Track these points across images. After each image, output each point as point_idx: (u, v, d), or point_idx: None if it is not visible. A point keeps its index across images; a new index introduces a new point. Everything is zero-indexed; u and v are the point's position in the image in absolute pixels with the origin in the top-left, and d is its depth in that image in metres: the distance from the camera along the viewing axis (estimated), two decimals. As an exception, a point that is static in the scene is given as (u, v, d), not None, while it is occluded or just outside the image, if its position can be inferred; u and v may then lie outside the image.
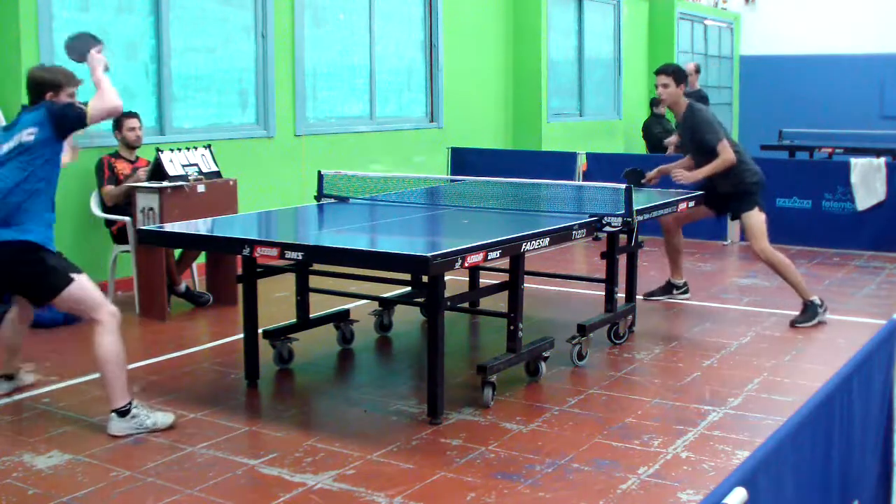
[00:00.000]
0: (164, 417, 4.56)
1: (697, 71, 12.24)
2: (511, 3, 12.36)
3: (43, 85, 4.71)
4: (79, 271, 4.55)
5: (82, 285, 4.49)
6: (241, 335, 5.46)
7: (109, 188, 6.92)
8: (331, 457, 4.19)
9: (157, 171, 6.75)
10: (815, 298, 6.60)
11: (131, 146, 7.10)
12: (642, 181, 6.93)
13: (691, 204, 6.56)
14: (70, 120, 4.55)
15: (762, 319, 6.67)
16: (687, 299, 7.24)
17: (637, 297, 6.39)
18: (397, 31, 10.53)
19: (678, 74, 6.62)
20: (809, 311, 6.54)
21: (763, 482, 1.94)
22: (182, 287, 7.04)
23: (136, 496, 3.81)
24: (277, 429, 4.58)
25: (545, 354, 5.28)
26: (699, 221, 7.24)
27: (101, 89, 4.63)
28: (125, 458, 4.18)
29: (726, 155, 6.47)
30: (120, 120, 7.01)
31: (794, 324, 6.50)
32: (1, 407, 4.88)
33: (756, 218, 6.61)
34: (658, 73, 6.69)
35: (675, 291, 7.27)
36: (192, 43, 8.17)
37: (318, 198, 6.30)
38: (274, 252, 4.63)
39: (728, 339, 6.16)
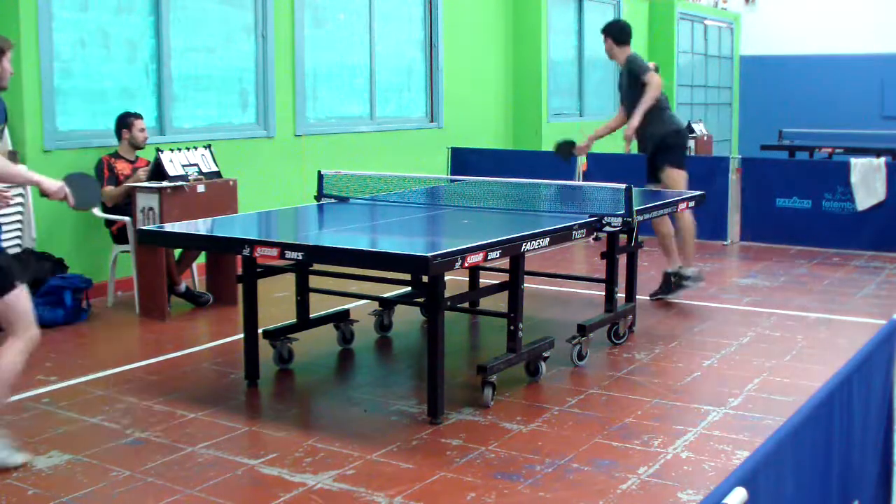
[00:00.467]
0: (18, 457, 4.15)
1: (656, 70, 12.14)
2: (511, 3, 12.36)
3: None
4: (22, 281, 4.14)
5: (24, 295, 4.09)
6: (241, 335, 5.46)
7: (109, 188, 6.92)
8: (331, 457, 4.19)
9: (157, 171, 6.76)
10: (692, 271, 7.13)
11: (139, 147, 7.12)
12: (574, 151, 7.28)
13: (691, 204, 6.57)
14: None
15: (762, 319, 6.67)
16: (686, 293, 7.20)
17: (637, 297, 6.38)
18: (397, 31, 10.53)
19: (610, 31, 7.37)
20: (676, 283, 7.10)
21: (763, 482, 1.94)
22: (182, 287, 7.03)
23: (136, 496, 3.81)
24: (277, 429, 4.58)
25: (545, 354, 5.28)
26: (698, 223, 7.29)
27: (29, 176, 4.22)
28: (125, 458, 4.18)
29: (653, 80, 6.99)
30: (130, 120, 7.04)
31: (656, 295, 7.12)
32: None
33: (677, 174, 7.06)
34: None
35: (673, 282, 7.18)
36: (192, 43, 8.17)
37: (318, 198, 6.30)
38: (274, 252, 4.63)
39: (728, 339, 6.16)
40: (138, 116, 7.11)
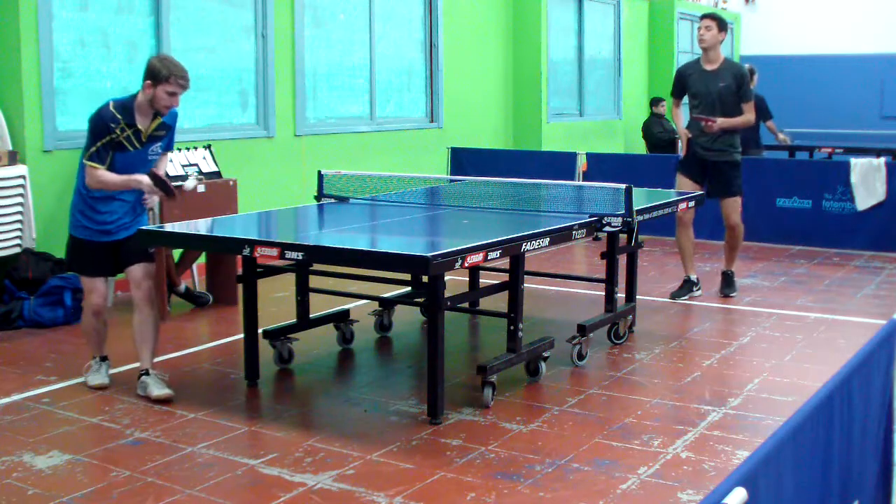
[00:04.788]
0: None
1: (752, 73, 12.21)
2: (511, 3, 12.36)
3: (147, 72, 4.90)
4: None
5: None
6: (241, 335, 5.46)
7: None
8: (331, 457, 4.19)
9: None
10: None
11: None
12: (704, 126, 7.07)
13: (691, 204, 6.58)
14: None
15: (762, 319, 6.67)
16: (701, 295, 7.38)
17: (637, 297, 6.38)
18: (397, 31, 10.53)
19: (721, 21, 7.09)
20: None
21: (763, 482, 1.94)
22: (182, 287, 7.04)
23: (136, 496, 3.81)
24: (277, 429, 4.58)
25: (545, 354, 5.28)
26: (699, 223, 7.45)
27: (117, 180, 4.92)
28: (125, 458, 4.19)
29: (751, 114, 7.14)
30: None
31: (726, 294, 7.36)
32: (1, 407, 4.88)
33: (739, 200, 7.27)
34: (703, 17, 7.15)
35: (694, 289, 7.40)
36: (192, 43, 8.17)
37: (318, 198, 6.29)
38: (274, 252, 4.63)
39: (728, 339, 6.16)
40: None
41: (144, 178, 4.91)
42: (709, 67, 7.05)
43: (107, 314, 5.22)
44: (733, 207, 7.18)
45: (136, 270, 5.06)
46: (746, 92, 7.02)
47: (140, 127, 4.91)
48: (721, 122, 6.94)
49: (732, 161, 7.08)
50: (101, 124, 4.84)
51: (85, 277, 5.12)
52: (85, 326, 5.24)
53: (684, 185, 7.18)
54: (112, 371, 5.47)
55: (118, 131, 4.83)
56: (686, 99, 7.29)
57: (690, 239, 7.31)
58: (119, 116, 4.84)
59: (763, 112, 11.84)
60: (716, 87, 7.00)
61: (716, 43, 7.00)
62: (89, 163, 4.85)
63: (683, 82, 7.23)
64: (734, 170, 7.11)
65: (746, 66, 12.15)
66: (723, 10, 18.43)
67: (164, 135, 5.04)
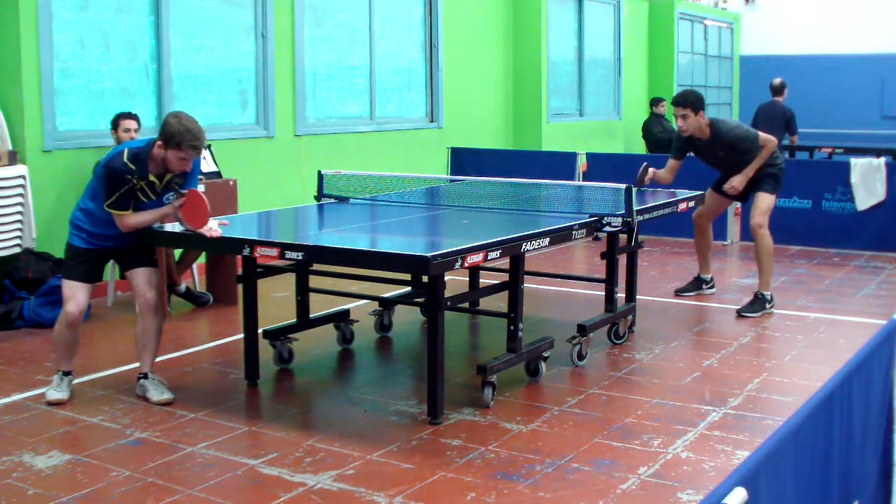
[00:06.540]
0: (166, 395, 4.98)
1: (783, 86, 12.11)
2: (511, 3, 12.37)
3: (162, 130, 4.74)
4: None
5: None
6: (241, 335, 5.46)
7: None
8: (331, 457, 4.19)
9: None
10: (769, 294, 6.89)
11: None
12: (645, 180, 6.87)
13: (692, 204, 6.58)
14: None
15: (762, 319, 6.67)
16: (714, 293, 7.45)
17: (637, 297, 6.38)
18: (397, 31, 10.54)
19: (696, 104, 6.64)
20: (759, 303, 6.82)
21: (763, 482, 1.94)
22: (182, 287, 7.03)
23: (136, 496, 3.81)
24: (277, 429, 4.58)
25: (545, 354, 5.28)
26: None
27: (148, 217, 4.91)
28: (125, 458, 4.19)
29: (770, 142, 6.85)
30: (117, 121, 6.99)
31: (741, 313, 6.77)
32: (1, 407, 4.88)
33: (768, 198, 6.91)
34: (674, 104, 6.72)
35: (704, 286, 7.50)
36: (192, 43, 8.17)
37: (318, 198, 6.29)
38: (274, 252, 4.63)
39: (728, 339, 6.16)
40: (127, 116, 6.97)
41: (171, 206, 4.90)
42: (703, 140, 6.79)
43: (80, 328, 4.98)
44: (756, 205, 6.86)
45: (139, 278, 4.97)
46: (747, 149, 6.74)
47: (153, 179, 4.80)
48: (739, 183, 6.82)
49: (768, 173, 6.89)
50: (115, 176, 4.69)
51: (68, 282, 4.88)
52: (56, 335, 4.94)
53: (720, 202, 7.22)
54: (112, 371, 5.48)
55: (134, 181, 4.73)
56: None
57: (705, 243, 7.39)
58: (133, 168, 4.71)
59: (791, 127, 11.97)
60: (719, 153, 6.85)
61: (698, 127, 6.67)
62: (114, 210, 4.75)
63: (688, 149, 6.95)
64: (770, 176, 6.90)
65: (777, 80, 12.15)
66: (723, 10, 18.45)
67: (182, 182, 4.91)
